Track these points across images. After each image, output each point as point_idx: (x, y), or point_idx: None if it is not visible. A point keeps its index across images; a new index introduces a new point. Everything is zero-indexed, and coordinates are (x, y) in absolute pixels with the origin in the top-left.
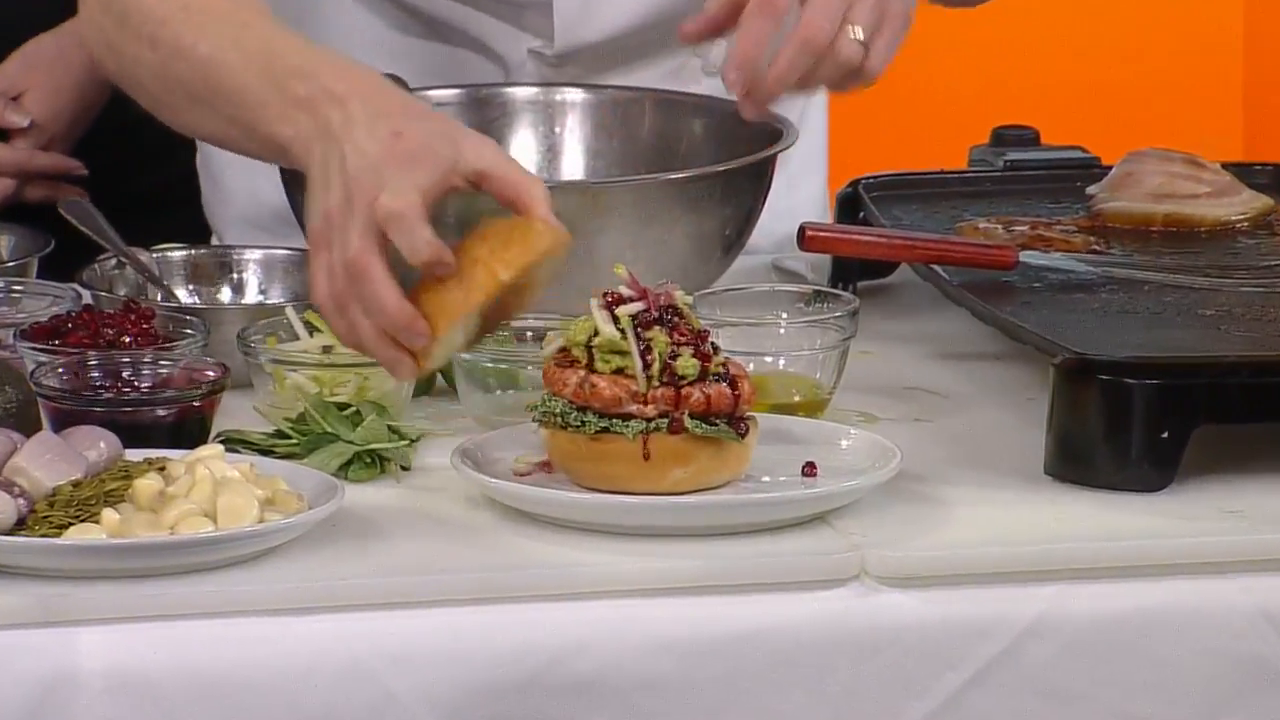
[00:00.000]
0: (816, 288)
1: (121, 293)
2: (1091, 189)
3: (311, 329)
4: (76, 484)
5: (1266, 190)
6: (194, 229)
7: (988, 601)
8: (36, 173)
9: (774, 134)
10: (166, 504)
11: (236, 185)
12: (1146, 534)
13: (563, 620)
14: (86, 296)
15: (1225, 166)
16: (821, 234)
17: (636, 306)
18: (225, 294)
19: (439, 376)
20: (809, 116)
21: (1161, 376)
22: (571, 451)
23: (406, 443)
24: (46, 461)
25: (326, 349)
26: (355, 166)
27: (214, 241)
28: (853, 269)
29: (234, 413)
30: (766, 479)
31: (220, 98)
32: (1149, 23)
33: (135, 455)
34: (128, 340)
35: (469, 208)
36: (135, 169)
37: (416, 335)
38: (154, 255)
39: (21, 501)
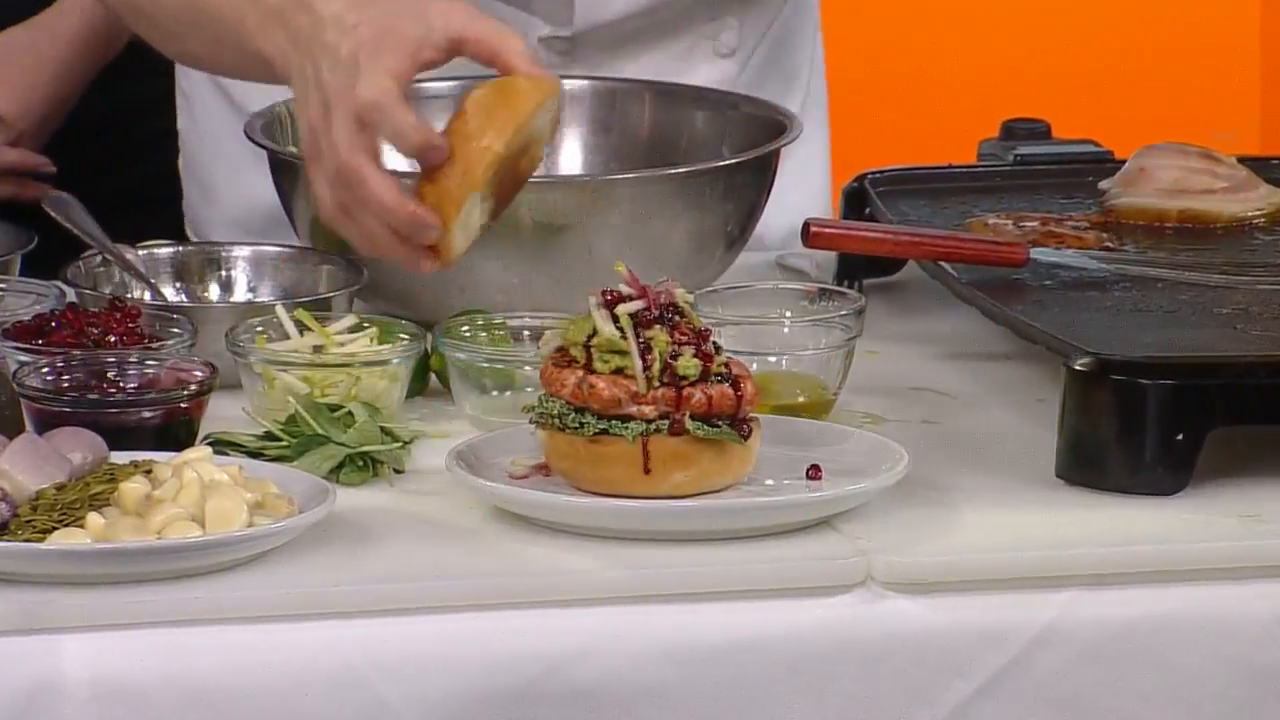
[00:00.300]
0: (821, 285)
1: (107, 291)
2: (1104, 184)
3: (302, 328)
4: (60, 487)
5: None
6: (181, 226)
7: (997, 608)
8: (3, 169)
9: (777, 127)
10: (153, 508)
11: (225, 186)
12: (1161, 539)
13: (560, 627)
14: (71, 295)
15: (1242, 161)
16: (826, 230)
17: (636, 305)
18: (213, 292)
19: (434, 377)
20: (811, 108)
21: (1176, 377)
22: (569, 454)
23: (400, 445)
24: (30, 464)
25: (317, 349)
26: (328, 68)
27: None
28: (859, 266)
29: (222, 414)
30: (770, 482)
31: (205, 18)
32: (1164, 12)
33: (121, 458)
34: (113, 340)
35: None
36: (120, 164)
37: (425, 229)
38: (140, 252)
39: (4, 505)
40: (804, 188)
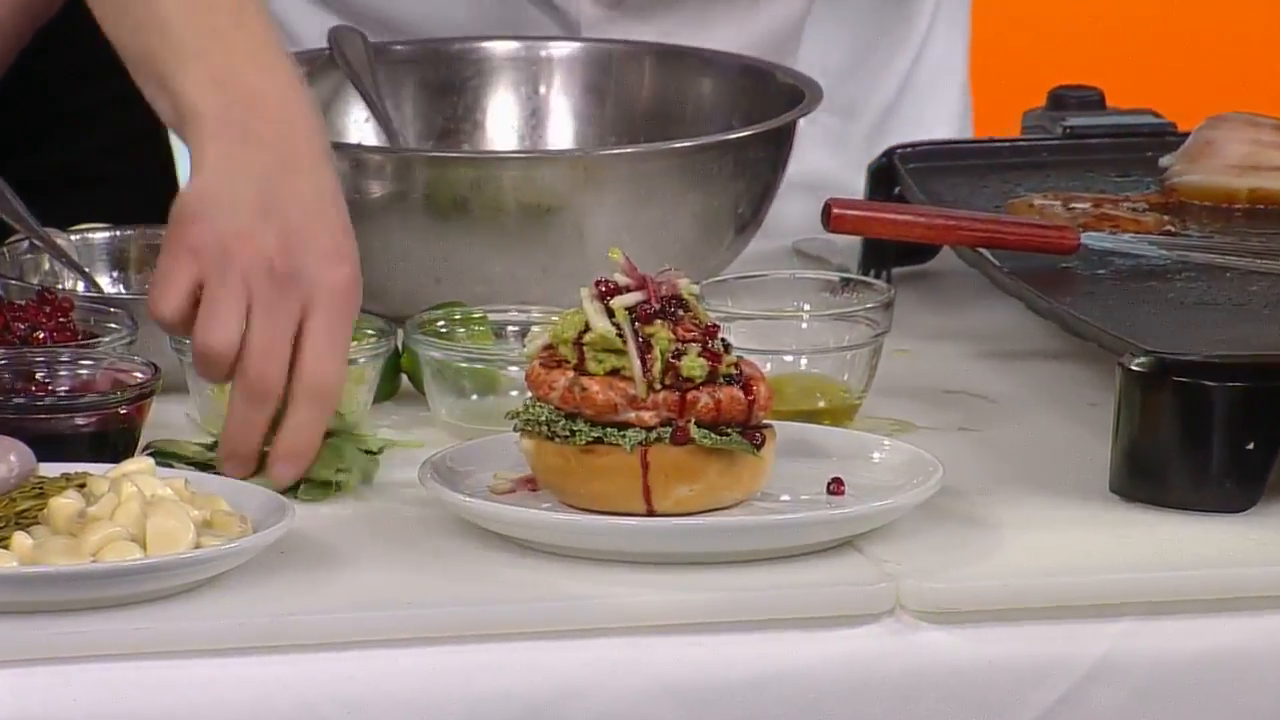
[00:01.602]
0: (844, 275)
1: (35, 281)
2: (1165, 160)
3: None
4: None
5: None
6: (119, 208)
7: (1044, 641)
8: None
9: (794, 95)
10: (87, 527)
11: None
12: (1228, 561)
13: (550, 662)
14: None
15: None
16: (850, 212)
17: (634, 297)
18: None
19: (405, 380)
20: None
21: (1247, 379)
22: (559, 466)
23: (368, 455)
24: None
25: None
26: (300, 215)
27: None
28: (887, 253)
29: (166, 421)
30: (786, 498)
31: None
32: None
33: (51, 470)
34: (42, 336)
35: None
36: (51, 140)
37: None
38: (73, 237)
39: None
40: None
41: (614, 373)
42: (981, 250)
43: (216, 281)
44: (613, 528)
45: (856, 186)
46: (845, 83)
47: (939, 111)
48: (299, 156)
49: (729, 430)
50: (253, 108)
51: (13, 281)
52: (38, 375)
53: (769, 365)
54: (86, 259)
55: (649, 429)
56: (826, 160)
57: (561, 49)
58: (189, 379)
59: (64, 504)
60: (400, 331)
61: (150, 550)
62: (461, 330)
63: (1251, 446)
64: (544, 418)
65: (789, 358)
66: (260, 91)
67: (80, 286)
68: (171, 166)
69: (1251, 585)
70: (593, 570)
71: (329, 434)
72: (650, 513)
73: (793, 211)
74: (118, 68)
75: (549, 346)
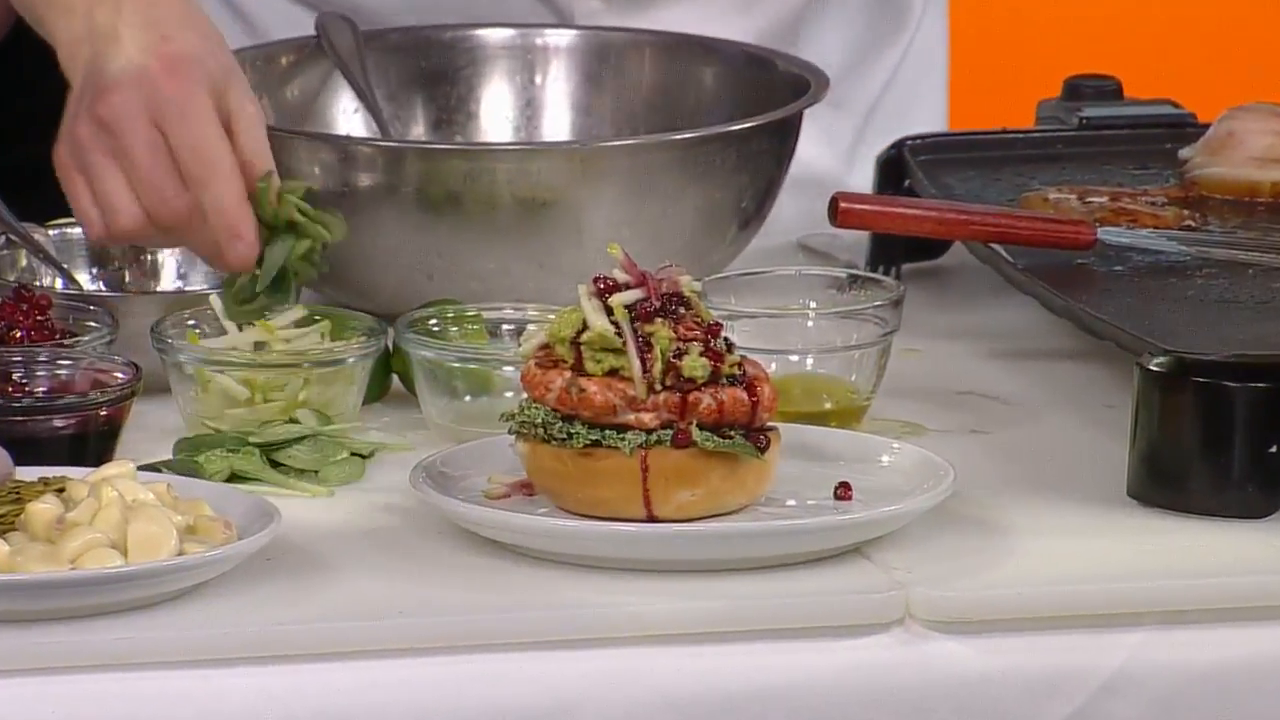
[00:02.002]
0: (852, 272)
1: (11, 278)
2: (1184, 152)
3: (242, 322)
4: None
5: None
6: None
7: (1059, 651)
8: None
9: (799, 85)
10: (66, 533)
11: None
12: (1250, 569)
13: (547, 674)
14: None
15: None
16: (858, 206)
17: (634, 295)
18: (137, 279)
19: (396, 380)
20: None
21: (1270, 379)
22: (556, 470)
23: (355, 458)
24: None
25: (259, 346)
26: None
27: None
28: (896, 249)
29: (148, 423)
30: (791, 503)
31: None
32: None
33: (28, 474)
34: (19, 335)
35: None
36: (27, 133)
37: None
38: (51, 232)
39: None
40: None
41: (613, 373)
42: (994, 246)
43: (85, 187)
44: (611, 534)
45: (846, 181)
46: (841, 78)
47: (922, 106)
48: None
49: (732, 433)
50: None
51: None
52: (14, 375)
53: (773, 365)
54: (65, 255)
55: (649, 431)
56: (820, 154)
57: (558, 37)
58: (172, 379)
59: (42, 509)
60: (390, 330)
61: (131, 557)
62: (454, 329)
63: (1274, 450)
64: (540, 420)
65: (794, 357)
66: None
67: (58, 283)
68: None
69: (1274, 594)
70: (591, 578)
71: (314, 434)
72: (650, 518)
73: (788, 207)
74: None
75: (545, 346)
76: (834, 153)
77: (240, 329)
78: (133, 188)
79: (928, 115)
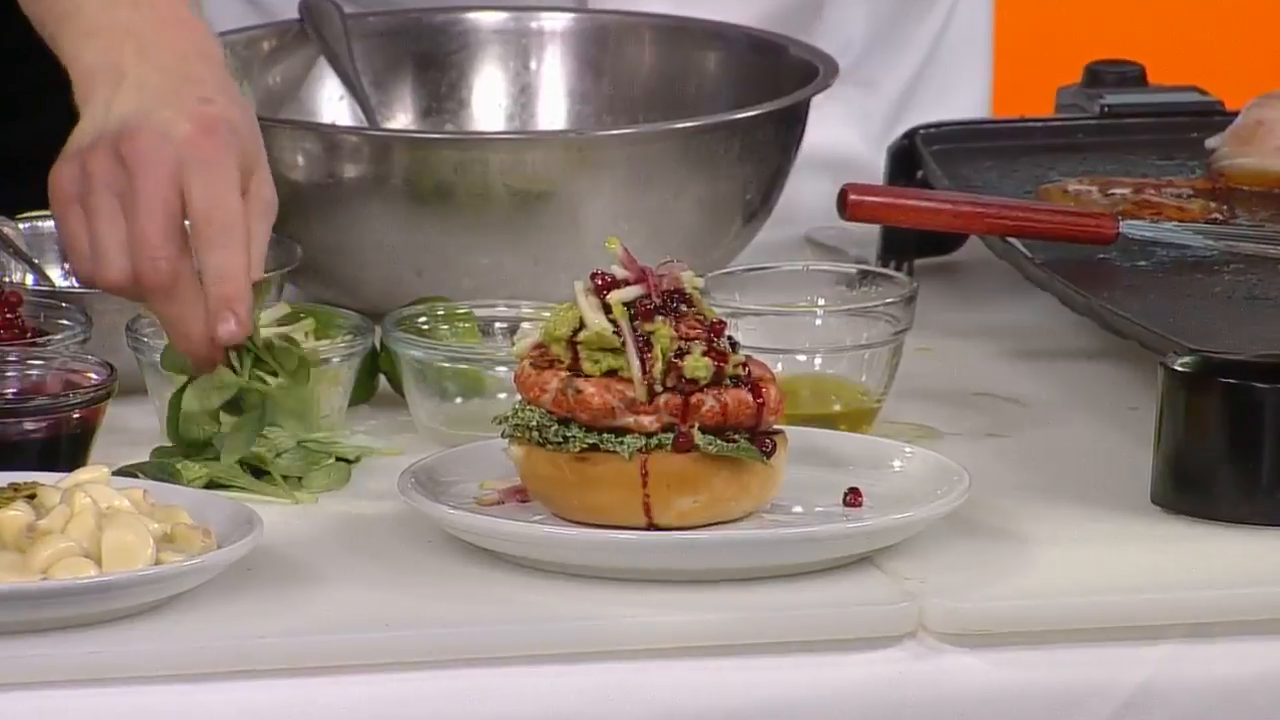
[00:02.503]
0: (862, 267)
1: None
2: (1211, 141)
3: None
4: None
5: None
6: None
7: (1080, 665)
8: None
9: (807, 71)
10: (37, 541)
11: None
12: None
13: (541, 689)
14: None
15: None
16: (868, 199)
17: (633, 292)
18: None
19: (384, 381)
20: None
21: None
22: (551, 475)
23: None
24: None
25: None
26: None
27: None
28: (908, 243)
29: (123, 426)
30: (798, 510)
31: None
32: None
33: None
34: None
35: None
36: None
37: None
38: (21, 226)
39: None
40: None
41: (611, 374)
42: (1011, 240)
43: (82, 222)
44: (609, 542)
45: (879, 165)
46: (869, 55)
47: (963, 88)
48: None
49: (736, 436)
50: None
51: None
52: None
53: (780, 365)
54: (36, 250)
55: (649, 435)
56: (847, 136)
57: (554, 20)
58: (148, 380)
59: (11, 516)
60: (378, 329)
61: (105, 567)
62: (445, 327)
63: None
64: (535, 423)
65: (802, 357)
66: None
67: (29, 279)
68: None
69: None
70: (588, 589)
71: (299, 441)
72: (650, 526)
73: (809, 192)
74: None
75: (540, 345)
76: (864, 135)
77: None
78: (129, 243)
79: (969, 96)
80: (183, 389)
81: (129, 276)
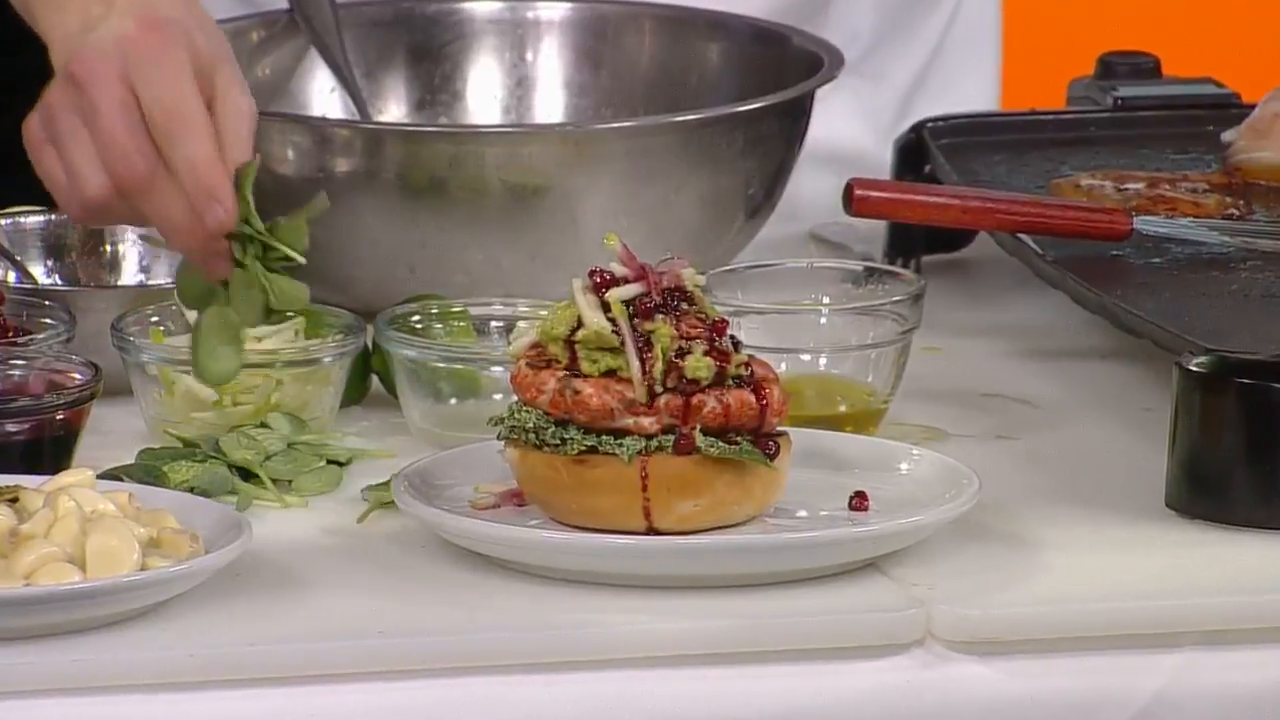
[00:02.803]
0: (868, 264)
1: None
2: (1228, 135)
3: None
4: None
5: None
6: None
7: (1092, 674)
8: None
9: (812, 62)
10: (20, 546)
11: None
12: None
13: (539, 698)
14: None
15: None
16: (874, 194)
17: (633, 289)
18: (96, 273)
19: (376, 381)
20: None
21: None
22: (549, 478)
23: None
24: None
25: None
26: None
27: None
28: (916, 240)
29: (108, 428)
30: (803, 514)
31: None
32: None
33: None
34: None
35: None
36: None
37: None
38: (3, 222)
39: None
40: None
41: (610, 374)
42: (1022, 236)
43: (54, 158)
44: (608, 548)
45: (885, 159)
46: (876, 47)
47: (970, 81)
48: None
49: (739, 438)
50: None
51: None
52: None
53: (784, 365)
54: (18, 246)
55: (649, 437)
56: (853, 129)
57: (551, 10)
58: (134, 380)
59: None
60: (370, 328)
61: (90, 572)
62: (439, 326)
63: None
64: (531, 424)
65: (806, 357)
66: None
67: (11, 277)
68: None
69: None
70: (586, 595)
71: (288, 440)
72: (650, 530)
73: (814, 187)
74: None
75: (537, 344)
76: (873, 128)
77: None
78: (99, 153)
79: (977, 89)
80: (201, 326)
81: (108, 186)
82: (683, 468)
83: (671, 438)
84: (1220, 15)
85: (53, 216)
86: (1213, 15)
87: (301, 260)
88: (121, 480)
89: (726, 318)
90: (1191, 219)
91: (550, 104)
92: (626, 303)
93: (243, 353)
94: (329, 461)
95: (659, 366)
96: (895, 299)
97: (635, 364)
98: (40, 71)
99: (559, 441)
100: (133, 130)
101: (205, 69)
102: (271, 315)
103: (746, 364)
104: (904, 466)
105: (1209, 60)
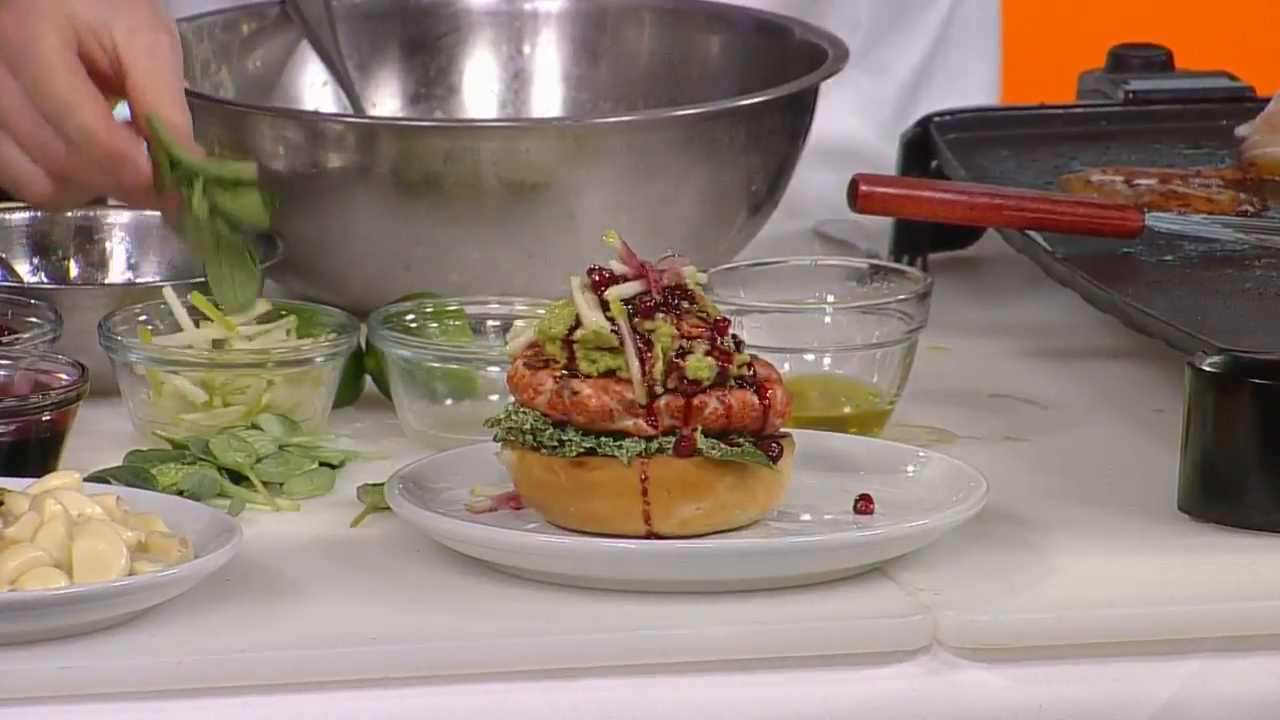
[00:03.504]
0: (873, 262)
1: None
2: (1242, 129)
3: (198, 317)
4: None
5: None
6: None
7: (1102, 681)
8: None
9: (816, 55)
10: (5, 550)
11: None
12: None
13: (536, 705)
14: None
15: None
16: (880, 190)
17: (632, 288)
18: (83, 270)
19: (370, 382)
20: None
21: None
22: (546, 481)
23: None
24: None
25: (218, 344)
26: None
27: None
28: (922, 237)
29: (95, 429)
30: (806, 517)
31: None
32: None
33: None
34: None
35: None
36: None
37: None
38: None
39: None
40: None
41: (609, 374)
42: (1031, 233)
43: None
44: (607, 552)
45: (889, 154)
46: (877, 39)
47: (972, 75)
48: None
49: (741, 440)
50: None
51: None
52: None
53: (787, 365)
54: (3, 244)
55: (649, 439)
56: (856, 124)
57: (549, 2)
58: (122, 381)
59: None
60: (363, 327)
61: (77, 578)
62: (434, 325)
63: None
64: (529, 426)
65: (810, 357)
66: None
67: None
68: None
69: None
70: (584, 601)
71: (279, 442)
72: (650, 535)
73: (817, 183)
74: None
75: (534, 344)
76: (873, 122)
77: (197, 325)
78: (26, 151)
79: (979, 83)
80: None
81: (45, 180)
82: (683, 470)
83: (672, 439)
84: (1234, 7)
85: (38, 214)
86: (1226, 7)
87: (251, 165)
88: (109, 483)
89: (728, 316)
90: (1204, 215)
91: (548, 98)
92: (626, 301)
93: (255, 279)
94: (321, 464)
95: (659, 367)
96: (901, 297)
97: (635, 364)
98: None
99: (557, 443)
100: (36, 120)
101: (91, 28)
102: (239, 234)
103: (749, 364)
104: (910, 469)
105: (1222, 53)
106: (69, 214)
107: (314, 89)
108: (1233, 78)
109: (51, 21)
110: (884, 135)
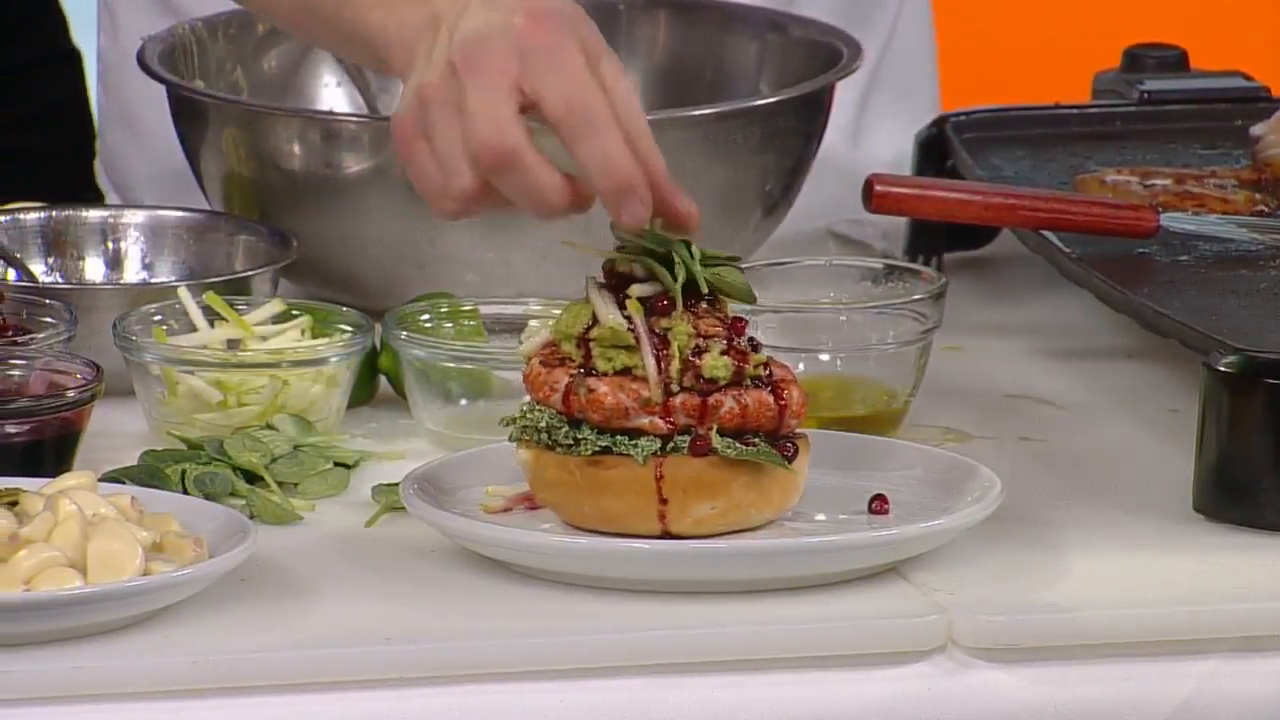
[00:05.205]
0: (888, 262)
1: None
2: (1256, 129)
3: (213, 317)
4: None
5: None
6: (54, 184)
7: (1117, 682)
8: None
9: (831, 55)
10: (20, 550)
11: (158, 127)
12: None
13: (551, 705)
14: None
15: None
16: (895, 190)
17: (649, 287)
18: (98, 270)
19: (384, 382)
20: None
21: None
22: (561, 480)
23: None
24: None
25: (233, 344)
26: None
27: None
28: (937, 237)
29: (110, 429)
30: (821, 518)
31: None
32: None
33: None
34: None
35: None
36: None
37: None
38: (2, 219)
39: None
40: (874, 131)
41: (625, 373)
42: (1046, 233)
43: (426, 154)
44: (622, 552)
45: (858, 157)
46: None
47: (912, 107)
48: None
49: (756, 440)
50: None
51: None
52: None
53: (802, 365)
54: (17, 243)
55: (664, 438)
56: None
57: None
58: (136, 380)
59: None
60: (378, 327)
61: (91, 578)
62: (449, 325)
63: None
64: (544, 424)
65: (825, 356)
66: None
67: (11, 275)
68: (91, 138)
69: None
70: (599, 600)
71: (294, 442)
72: (665, 534)
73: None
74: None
75: (550, 343)
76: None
77: (212, 325)
78: (465, 142)
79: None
80: None
81: (476, 178)
82: (699, 469)
83: (687, 438)
84: (1249, 7)
85: (52, 214)
86: (1241, 7)
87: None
88: (124, 483)
89: (744, 316)
90: (1219, 215)
91: None
92: (642, 300)
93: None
94: (336, 464)
95: (675, 365)
96: (916, 297)
97: (651, 363)
98: (33, 65)
99: (572, 442)
100: (505, 115)
101: (592, 61)
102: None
103: (764, 364)
104: (924, 469)
105: (1238, 53)
106: (84, 214)
107: (329, 89)
108: (1248, 78)
109: (574, 37)
110: (847, 140)
